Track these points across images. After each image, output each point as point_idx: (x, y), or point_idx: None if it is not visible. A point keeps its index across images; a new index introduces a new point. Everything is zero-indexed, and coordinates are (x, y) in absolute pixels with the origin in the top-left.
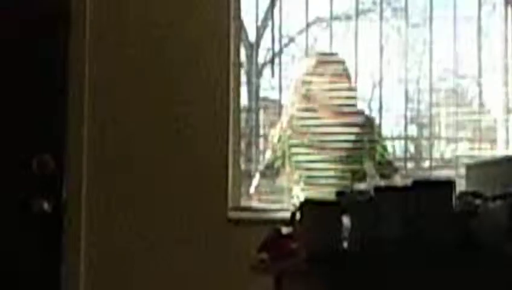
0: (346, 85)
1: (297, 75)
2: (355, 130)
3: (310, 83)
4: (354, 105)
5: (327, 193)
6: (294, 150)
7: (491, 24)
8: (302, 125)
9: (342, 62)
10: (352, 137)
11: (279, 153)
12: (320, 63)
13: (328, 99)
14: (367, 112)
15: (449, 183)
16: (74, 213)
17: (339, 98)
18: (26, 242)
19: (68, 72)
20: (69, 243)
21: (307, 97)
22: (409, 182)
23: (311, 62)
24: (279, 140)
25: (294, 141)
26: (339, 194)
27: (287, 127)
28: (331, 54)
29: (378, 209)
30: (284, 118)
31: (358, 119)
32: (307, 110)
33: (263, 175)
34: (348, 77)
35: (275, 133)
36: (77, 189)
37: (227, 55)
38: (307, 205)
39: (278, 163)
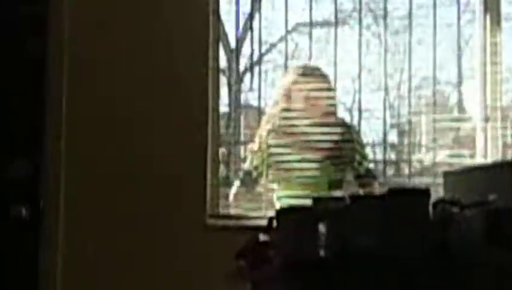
0: (327, 100)
1: (279, 87)
2: (335, 138)
3: (290, 95)
4: (334, 114)
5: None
6: (274, 150)
7: (471, 32)
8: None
9: (324, 76)
10: (331, 145)
11: (258, 161)
12: (302, 76)
13: (309, 112)
14: (347, 119)
15: (425, 192)
16: (52, 219)
17: (319, 110)
18: (3, 249)
19: (46, 75)
20: (46, 250)
21: (287, 110)
22: (386, 189)
23: (293, 76)
24: (259, 148)
25: (274, 142)
26: (316, 201)
27: (268, 134)
28: (315, 68)
29: (354, 217)
30: (264, 127)
31: (338, 129)
32: (288, 121)
33: (242, 182)
34: (331, 90)
35: (254, 141)
36: (55, 195)
37: (205, 61)
38: (284, 212)
39: (257, 171)
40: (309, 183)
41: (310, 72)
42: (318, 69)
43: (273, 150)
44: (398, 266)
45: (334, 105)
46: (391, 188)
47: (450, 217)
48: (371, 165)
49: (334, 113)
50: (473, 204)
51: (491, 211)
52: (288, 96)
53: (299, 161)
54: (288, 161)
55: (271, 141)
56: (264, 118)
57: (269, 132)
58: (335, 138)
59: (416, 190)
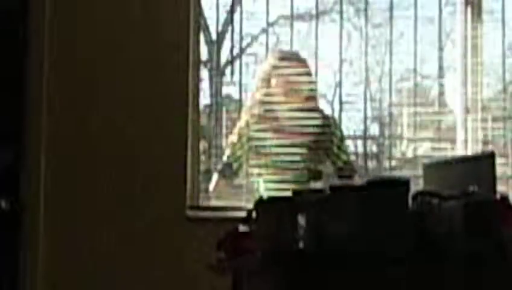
0: (307, 85)
1: (259, 72)
2: (315, 130)
3: (269, 81)
4: (315, 99)
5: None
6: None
7: (452, 25)
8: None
9: (303, 61)
10: (311, 138)
11: (238, 153)
12: (281, 60)
13: (289, 97)
14: (328, 111)
15: (404, 183)
16: (32, 211)
17: (299, 94)
18: None
19: (26, 64)
20: (26, 241)
21: (266, 96)
22: (364, 181)
23: (273, 60)
24: (238, 139)
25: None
26: (295, 193)
27: (247, 126)
28: (293, 53)
29: (334, 208)
30: (243, 118)
31: (318, 120)
32: (268, 106)
33: (222, 174)
34: (309, 74)
35: (234, 132)
36: (36, 186)
37: (186, 54)
38: (262, 203)
39: (237, 163)
40: (288, 168)
41: (289, 57)
42: (296, 54)
43: (253, 134)
44: (377, 257)
45: (314, 90)
46: (370, 179)
47: (429, 209)
48: (352, 158)
49: (314, 98)
50: (452, 196)
51: (470, 203)
52: (267, 80)
53: (277, 146)
54: (267, 146)
55: (251, 128)
56: (244, 109)
57: (248, 122)
58: (315, 123)
59: (396, 181)
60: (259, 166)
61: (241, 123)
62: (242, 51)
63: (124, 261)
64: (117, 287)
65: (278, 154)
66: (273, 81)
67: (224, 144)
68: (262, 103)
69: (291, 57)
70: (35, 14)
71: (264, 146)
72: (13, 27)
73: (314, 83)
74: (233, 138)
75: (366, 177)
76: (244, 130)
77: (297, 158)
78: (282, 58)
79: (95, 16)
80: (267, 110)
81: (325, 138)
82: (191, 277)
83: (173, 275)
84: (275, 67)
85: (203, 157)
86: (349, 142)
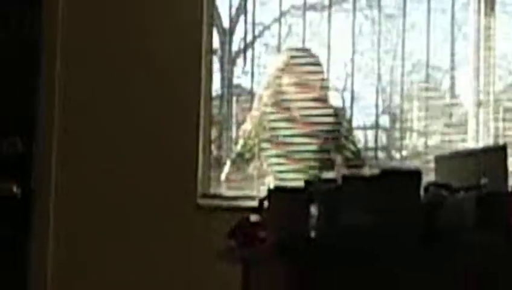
0: (318, 81)
1: (270, 71)
2: (325, 126)
3: (281, 78)
4: (325, 101)
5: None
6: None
7: (465, 17)
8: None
9: (315, 57)
10: (322, 131)
11: (251, 142)
12: (292, 58)
13: (299, 95)
14: (339, 102)
15: (416, 173)
16: (43, 196)
17: (310, 93)
18: None
19: (40, 53)
20: (37, 226)
21: (278, 92)
22: (377, 172)
23: (284, 57)
24: (251, 131)
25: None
26: (307, 183)
27: (261, 116)
28: (305, 50)
29: (346, 198)
30: (256, 111)
31: (329, 114)
32: (278, 106)
33: (234, 163)
34: (321, 72)
35: (247, 124)
36: (47, 172)
37: (199, 42)
38: (275, 193)
39: (249, 153)
40: (301, 158)
41: (301, 56)
42: (309, 52)
43: (267, 124)
44: (388, 246)
45: (325, 89)
46: (383, 169)
47: (441, 201)
48: (362, 149)
49: (325, 100)
50: (464, 188)
51: (482, 195)
52: (279, 79)
53: (292, 136)
54: (282, 136)
55: (265, 118)
56: (257, 99)
57: (262, 113)
58: (325, 120)
59: (408, 172)
60: (273, 155)
61: (253, 112)
62: (254, 40)
63: (134, 249)
64: (126, 274)
65: (292, 143)
66: (285, 81)
67: (234, 133)
68: (275, 95)
69: (304, 56)
70: (48, 12)
71: (278, 135)
72: (27, 20)
73: (326, 80)
74: (247, 127)
75: (375, 168)
76: (257, 120)
77: (311, 148)
78: (294, 57)
79: (107, 9)
80: (280, 102)
81: (334, 128)
82: (201, 266)
83: (183, 264)
84: (286, 65)
85: (213, 146)
86: (359, 134)
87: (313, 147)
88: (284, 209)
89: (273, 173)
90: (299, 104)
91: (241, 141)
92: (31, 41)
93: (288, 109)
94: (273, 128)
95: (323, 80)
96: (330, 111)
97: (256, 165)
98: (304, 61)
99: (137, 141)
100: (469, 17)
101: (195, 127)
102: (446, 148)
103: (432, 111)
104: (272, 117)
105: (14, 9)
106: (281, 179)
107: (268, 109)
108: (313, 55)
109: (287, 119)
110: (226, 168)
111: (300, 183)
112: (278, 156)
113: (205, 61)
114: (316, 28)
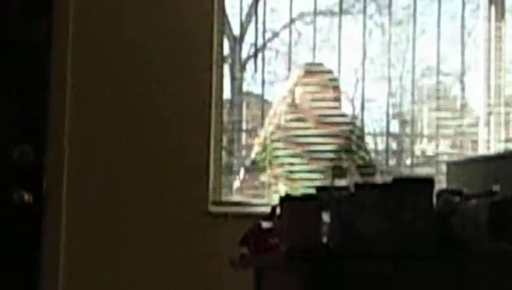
0: (331, 95)
1: (285, 86)
2: (338, 140)
3: (295, 93)
4: (338, 115)
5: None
6: (277, 147)
7: (475, 22)
8: (289, 135)
9: (329, 72)
10: (335, 145)
11: (262, 156)
12: (307, 73)
13: (313, 110)
14: (350, 109)
15: (429, 181)
16: (55, 204)
17: (324, 108)
18: (6, 233)
19: (50, 61)
20: (49, 234)
21: (293, 107)
22: (389, 179)
23: (299, 73)
24: (263, 143)
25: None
26: (319, 190)
27: (273, 132)
28: (319, 64)
29: (358, 205)
30: (270, 122)
31: (342, 129)
32: (294, 119)
33: (247, 170)
34: (335, 87)
35: (261, 132)
36: (58, 180)
37: (210, 49)
38: (287, 200)
39: (262, 163)
40: (319, 158)
41: (316, 73)
42: (324, 69)
43: (277, 152)
44: (402, 254)
45: (339, 99)
46: (396, 177)
47: (453, 207)
48: (373, 156)
49: (339, 107)
50: (476, 195)
51: (494, 202)
52: (293, 99)
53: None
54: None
55: (275, 139)
56: (270, 113)
57: (275, 129)
58: (339, 139)
59: (421, 179)
60: (290, 156)
61: (267, 127)
62: (264, 46)
63: (145, 256)
64: (137, 281)
65: (308, 144)
66: (299, 103)
67: (244, 140)
68: (286, 123)
69: (317, 70)
70: (59, 14)
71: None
72: (37, 24)
73: (340, 103)
74: (259, 139)
75: (386, 174)
76: (270, 135)
77: (328, 148)
78: (308, 74)
79: (118, 14)
80: (290, 130)
81: (347, 136)
82: (213, 273)
83: (195, 271)
84: (299, 81)
85: (224, 153)
86: (369, 140)
87: (330, 147)
88: (296, 216)
89: (287, 174)
90: (316, 104)
91: (254, 150)
92: (43, 49)
93: (303, 110)
94: (289, 128)
95: (337, 94)
96: (345, 118)
97: (269, 172)
98: (318, 80)
99: (148, 148)
100: (479, 23)
101: (207, 134)
102: (456, 154)
103: (442, 117)
104: (288, 117)
105: (24, 16)
106: (297, 180)
107: (279, 133)
108: (326, 70)
109: (303, 120)
110: (240, 175)
111: (317, 184)
112: (293, 156)
113: (216, 68)
114: (326, 34)
